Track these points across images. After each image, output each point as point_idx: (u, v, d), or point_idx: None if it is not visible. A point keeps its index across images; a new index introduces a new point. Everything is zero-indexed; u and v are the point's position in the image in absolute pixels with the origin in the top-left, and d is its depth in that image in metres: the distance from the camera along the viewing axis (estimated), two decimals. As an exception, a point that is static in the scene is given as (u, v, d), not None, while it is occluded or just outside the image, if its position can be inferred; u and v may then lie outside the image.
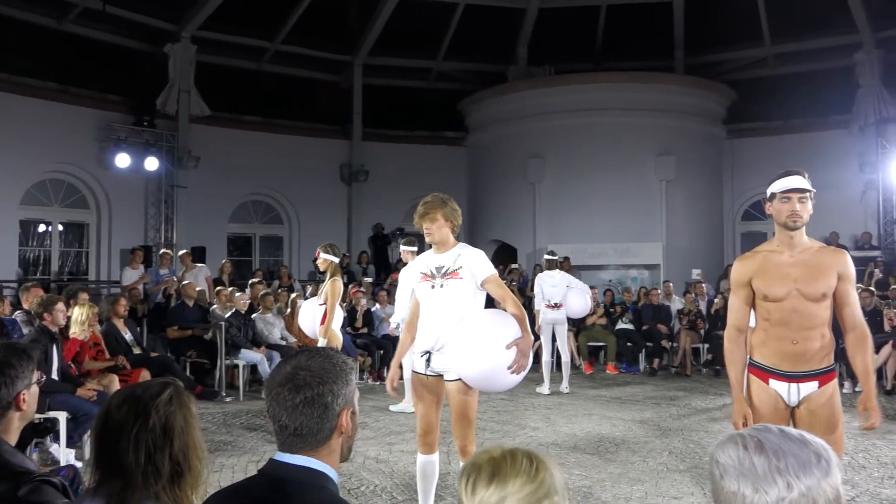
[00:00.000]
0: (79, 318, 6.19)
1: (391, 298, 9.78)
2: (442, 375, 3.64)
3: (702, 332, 10.59)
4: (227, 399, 8.00)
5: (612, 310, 11.42)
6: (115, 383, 5.96)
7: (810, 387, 3.01)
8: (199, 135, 13.31)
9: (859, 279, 9.81)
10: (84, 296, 7.42)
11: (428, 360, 3.66)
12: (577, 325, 10.57)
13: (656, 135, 13.88)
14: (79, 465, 4.72)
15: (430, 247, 3.82)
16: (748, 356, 3.18)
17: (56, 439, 5.32)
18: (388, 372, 9.75)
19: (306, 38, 14.56)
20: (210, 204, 13.46)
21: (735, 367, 3.15)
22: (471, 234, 14.63)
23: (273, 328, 9.08)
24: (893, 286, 10.09)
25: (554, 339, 8.66)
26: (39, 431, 4.76)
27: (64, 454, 5.21)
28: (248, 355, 8.42)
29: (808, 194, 3.00)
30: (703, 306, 10.98)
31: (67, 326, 6.10)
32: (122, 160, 12.16)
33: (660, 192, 13.88)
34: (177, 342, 8.84)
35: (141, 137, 12.58)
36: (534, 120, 14.20)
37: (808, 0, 13.94)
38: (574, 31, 15.43)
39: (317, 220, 14.73)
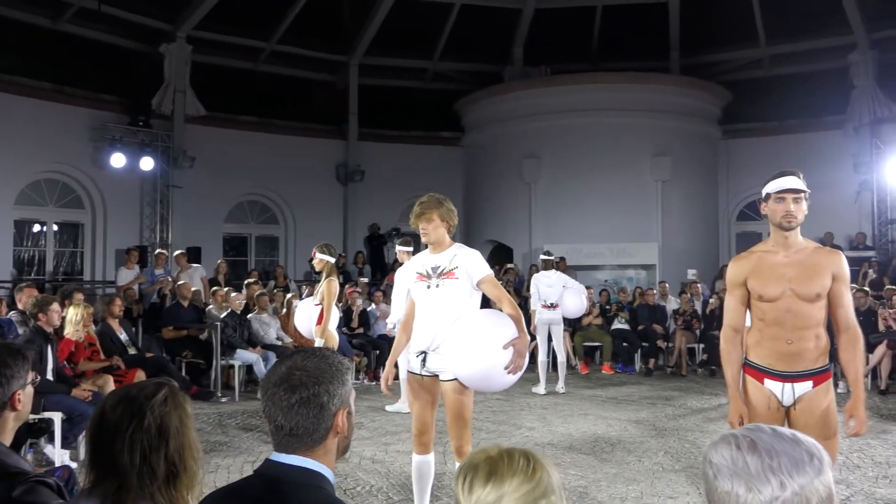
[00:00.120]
0: (73, 319, 6.17)
1: (387, 298, 9.78)
2: (437, 375, 3.65)
3: (697, 332, 10.62)
4: (223, 399, 7.99)
5: (607, 307, 11.46)
6: (109, 384, 5.95)
7: (805, 387, 3.02)
8: (195, 135, 13.29)
9: (854, 279, 9.84)
10: (79, 296, 7.39)
11: (423, 360, 3.66)
12: (572, 326, 10.59)
13: (652, 135, 13.91)
14: (74, 465, 4.71)
15: (427, 247, 3.82)
16: (744, 356, 3.19)
17: (50, 440, 5.31)
18: (383, 371, 9.74)
19: (302, 38, 14.55)
20: (206, 204, 13.44)
21: (731, 367, 3.16)
22: (467, 235, 14.64)
23: (269, 328, 9.07)
24: (888, 286, 10.12)
25: (550, 340, 8.68)
26: (34, 432, 4.75)
27: (59, 455, 5.20)
28: (244, 356, 8.42)
29: (802, 195, 3.01)
30: (698, 306, 11.01)
31: (62, 327, 6.08)
32: (118, 160, 12.13)
33: (655, 193, 13.91)
34: (172, 342, 8.82)
35: (136, 137, 12.56)
36: (530, 120, 14.22)
37: (802, 1, 13.99)
38: (570, 32, 15.45)
39: (313, 220, 14.71)
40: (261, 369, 8.34)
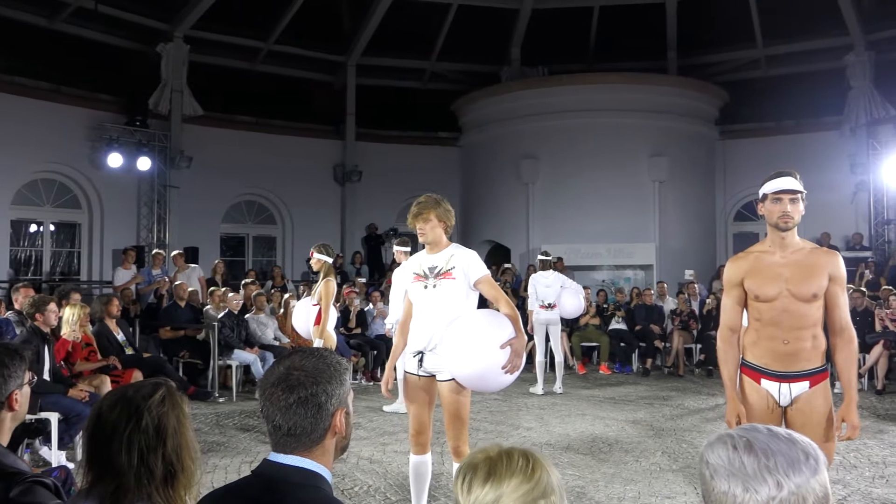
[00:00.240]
0: (70, 319, 6.16)
1: (385, 299, 9.78)
2: (434, 375, 3.65)
3: (694, 332, 10.63)
4: (220, 400, 7.98)
5: (604, 306, 11.47)
6: (106, 384, 5.94)
7: (801, 387, 3.03)
8: (192, 135, 13.27)
9: (850, 280, 9.87)
10: (76, 296, 7.38)
11: (420, 361, 3.66)
12: (570, 326, 10.60)
13: (649, 135, 13.93)
14: (71, 466, 4.70)
15: (424, 247, 3.82)
16: (741, 356, 3.19)
17: (47, 441, 5.30)
18: (381, 373, 9.73)
19: (300, 39, 14.55)
20: (203, 204, 13.43)
21: (728, 367, 3.17)
22: (464, 235, 14.65)
23: (266, 328, 9.07)
24: (884, 287, 10.15)
25: (547, 340, 8.68)
26: (30, 432, 4.75)
27: (55, 455, 5.19)
28: (241, 356, 8.41)
29: (799, 195, 3.01)
30: (695, 307, 11.02)
31: (59, 327, 6.07)
32: (115, 160, 12.12)
33: (652, 193, 13.93)
34: (169, 343, 8.81)
35: (133, 137, 12.54)
36: (527, 120, 14.23)
37: (799, 2, 14.03)
38: (567, 32, 15.46)
39: (310, 220, 14.71)
40: (258, 369, 8.34)
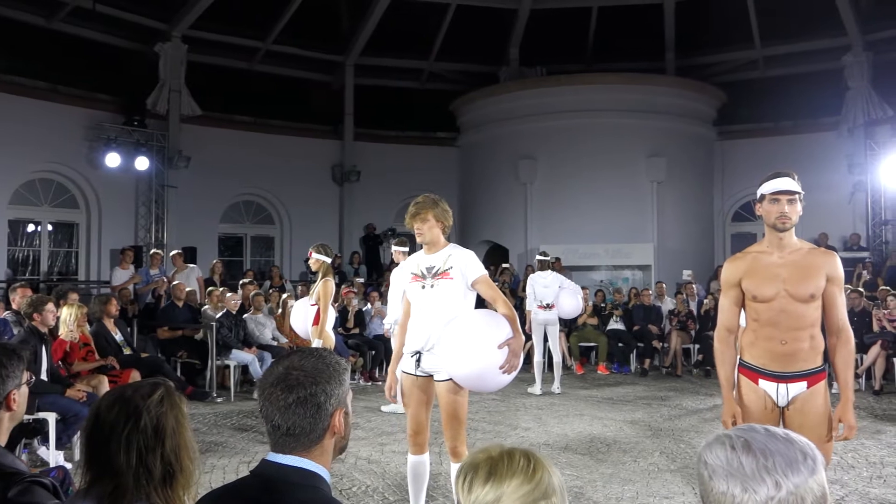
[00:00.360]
0: (67, 319, 6.16)
1: (383, 299, 9.77)
2: (432, 375, 3.65)
3: (692, 332, 10.64)
4: (218, 400, 7.98)
5: (602, 306, 11.48)
6: (104, 384, 5.93)
7: (799, 387, 3.03)
8: (190, 134, 13.26)
9: (848, 280, 9.88)
10: (74, 296, 7.38)
11: (418, 361, 3.66)
12: (568, 326, 10.60)
13: (647, 136, 13.94)
14: (68, 466, 4.70)
15: (422, 247, 3.82)
16: (738, 356, 3.20)
17: (45, 441, 5.29)
18: (380, 373, 9.74)
19: (298, 38, 14.54)
20: (201, 204, 13.42)
21: (725, 367, 3.17)
22: (462, 235, 14.66)
23: (264, 328, 9.06)
24: (882, 287, 10.17)
25: (546, 340, 8.69)
26: (28, 432, 4.74)
27: (53, 456, 5.18)
28: (239, 356, 8.41)
29: (797, 196, 3.01)
30: (693, 307, 11.03)
31: (57, 327, 6.06)
32: (113, 160, 12.11)
33: (651, 193, 13.95)
34: (167, 343, 8.81)
35: (131, 137, 12.53)
36: (525, 121, 14.24)
37: (797, 3, 14.05)
38: (565, 33, 15.48)
39: (308, 220, 14.70)
40: (256, 369, 8.33)
